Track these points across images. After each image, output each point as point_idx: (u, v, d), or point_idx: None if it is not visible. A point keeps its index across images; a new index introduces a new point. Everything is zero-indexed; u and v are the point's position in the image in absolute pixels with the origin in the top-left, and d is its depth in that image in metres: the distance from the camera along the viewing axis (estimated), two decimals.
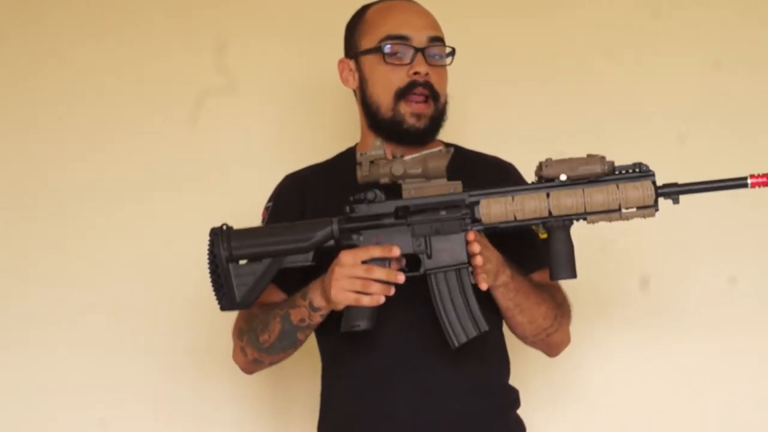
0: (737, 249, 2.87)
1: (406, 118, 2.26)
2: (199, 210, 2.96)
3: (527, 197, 2.06)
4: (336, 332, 2.25)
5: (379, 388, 2.24)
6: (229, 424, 2.97)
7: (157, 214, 2.98)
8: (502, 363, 2.34)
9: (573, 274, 2.05)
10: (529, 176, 2.17)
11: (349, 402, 2.27)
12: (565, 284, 2.33)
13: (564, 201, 2.03)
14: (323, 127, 2.94)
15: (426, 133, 2.28)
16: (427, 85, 2.26)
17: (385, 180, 2.11)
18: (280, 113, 3.00)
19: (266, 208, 2.37)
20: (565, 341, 2.34)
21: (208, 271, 2.17)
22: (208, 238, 2.17)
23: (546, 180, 2.06)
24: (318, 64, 2.93)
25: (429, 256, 2.11)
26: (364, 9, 2.36)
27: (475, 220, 2.09)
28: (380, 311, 2.15)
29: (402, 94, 2.26)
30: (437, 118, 2.28)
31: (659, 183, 2.06)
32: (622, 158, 2.89)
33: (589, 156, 2.04)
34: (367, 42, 2.30)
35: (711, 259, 2.87)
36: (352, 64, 2.34)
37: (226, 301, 2.17)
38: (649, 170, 2.04)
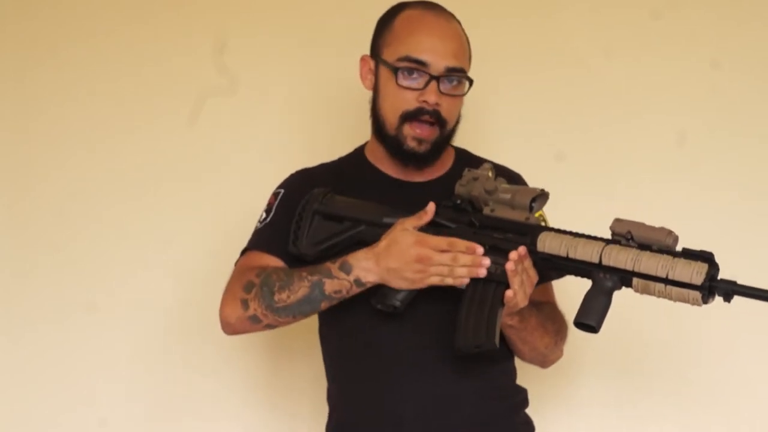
0: (736, 250, 2.88)
1: (407, 141, 2.27)
2: (198, 210, 2.97)
3: (585, 241, 2.06)
4: (343, 335, 2.28)
5: (387, 392, 2.23)
6: (232, 426, 2.97)
7: (157, 214, 2.98)
8: (509, 363, 2.34)
9: (597, 326, 2.03)
10: (533, 182, 2.17)
11: (357, 405, 2.27)
12: (564, 288, 2.34)
13: (616, 254, 2.02)
14: (323, 128, 2.95)
15: (425, 158, 2.29)
16: (435, 113, 2.25)
17: (476, 195, 2.16)
18: (281, 113, 3.00)
19: (275, 194, 2.36)
20: (559, 357, 2.36)
21: (295, 219, 2.27)
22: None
23: (614, 235, 2.06)
24: (319, 64, 2.94)
25: None
26: (398, 10, 2.32)
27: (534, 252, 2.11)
28: (388, 316, 2.20)
29: (408, 117, 2.26)
30: (439, 144, 2.29)
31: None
32: (620, 158, 2.93)
33: (661, 228, 2.02)
34: (388, 53, 2.28)
35: None
36: (372, 64, 2.32)
37: (293, 245, 2.26)
38: (713, 259, 1.98)
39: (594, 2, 2.96)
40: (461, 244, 2.10)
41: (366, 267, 2.15)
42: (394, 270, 2.13)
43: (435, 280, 2.12)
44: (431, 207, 2.16)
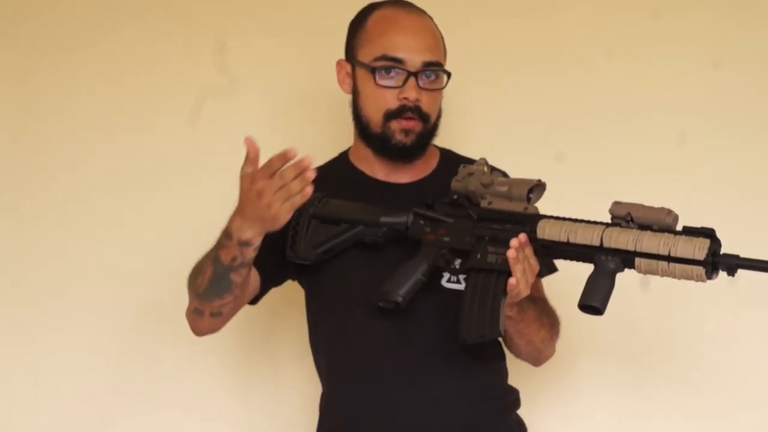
0: (736, 250, 2.87)
1: (395, 135, 2.28)
2: (198, 210, 2.96)
3: (585, 226, 2.07)
4: (332, 339, 2.28)
5: (380, 394, 2.24)
6: (228, 426, 2.97)
7: (157, 214, 2.98)
8: (501, 364, 2.35)
9: (602, 307, 2.03)
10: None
11: (349, 408, 2.27)
12: (560, 284, 2.34)
13: (617, 236, 2.02)
14: (323, 128, 2.95)
15: (412, 150, 2.30)
16: (416, 109, 2.27)
17: (473, 189, 2.17)
18: (280, 113, 3.00)
19: None
20: (551, 354, 2.37)
21: (291, 225, 2.26)
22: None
23: (613, 218, 2.06)
24: (318, 65, 2.93)
25: (478, 255, 2.15)
26: (369, 11, 2.34)
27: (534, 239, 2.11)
28: (382, 318, 2.20)
29: (392, 115, 2.27)
30: (425, 136, 2.30)
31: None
32: (620, 158, 2.93)
33: (660, 207, 2.03)
34: (364, 54, 2.30)
35: None
36: (348, 68, 2.34)
37: (291, 251, 2.27)
38: (715, 235, 1.99)
39: (594, 2, 2.96)
40: (275, 160, 2.05)
41: (237, 225, 2.13)
42: (252, 216, 2.10)
43: (285, 206, 2.06)
44: (248, 141, 2.09)
